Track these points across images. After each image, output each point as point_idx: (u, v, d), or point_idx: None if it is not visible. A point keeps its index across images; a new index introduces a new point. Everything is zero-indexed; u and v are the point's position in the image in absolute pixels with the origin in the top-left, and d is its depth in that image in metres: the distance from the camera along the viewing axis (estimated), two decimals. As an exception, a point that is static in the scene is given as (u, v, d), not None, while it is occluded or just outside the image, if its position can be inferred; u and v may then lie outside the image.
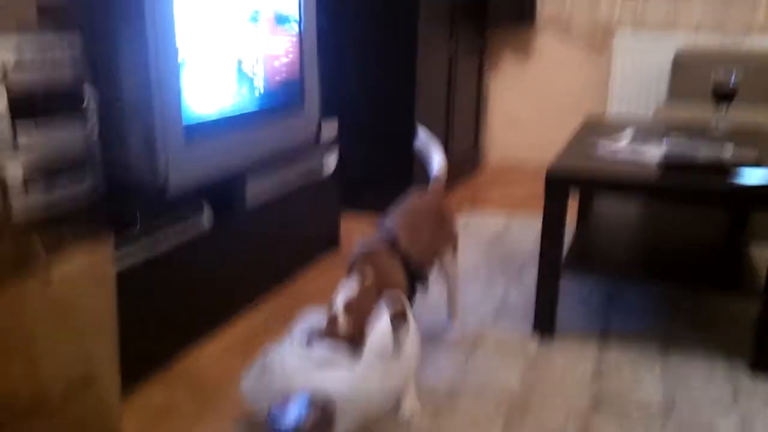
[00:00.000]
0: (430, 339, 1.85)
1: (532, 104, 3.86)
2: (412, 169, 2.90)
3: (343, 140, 2.54)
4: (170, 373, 1.69)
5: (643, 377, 1.68)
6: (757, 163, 1.72)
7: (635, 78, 3.49)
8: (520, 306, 2.05)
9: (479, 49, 3.62)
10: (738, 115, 2.69)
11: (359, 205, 2.95)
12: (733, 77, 2.28)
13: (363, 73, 2.86)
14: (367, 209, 2.93)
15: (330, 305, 1.40)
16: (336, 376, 1.27)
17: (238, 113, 1.89)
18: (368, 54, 2.84)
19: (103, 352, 1.19)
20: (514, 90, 3.88)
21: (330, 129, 2.42)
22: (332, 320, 1.36)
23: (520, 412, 1.53)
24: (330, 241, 2.53)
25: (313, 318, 1.47)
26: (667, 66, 3.39)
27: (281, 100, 2.10)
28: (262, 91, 1.99)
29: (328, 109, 2.89)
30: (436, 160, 1.84)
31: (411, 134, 2.82)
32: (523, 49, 3.79)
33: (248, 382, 1.38)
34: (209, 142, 1.75)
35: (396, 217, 1.63)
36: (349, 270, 1.49)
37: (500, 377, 1.67)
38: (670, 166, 1.76)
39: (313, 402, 1.21)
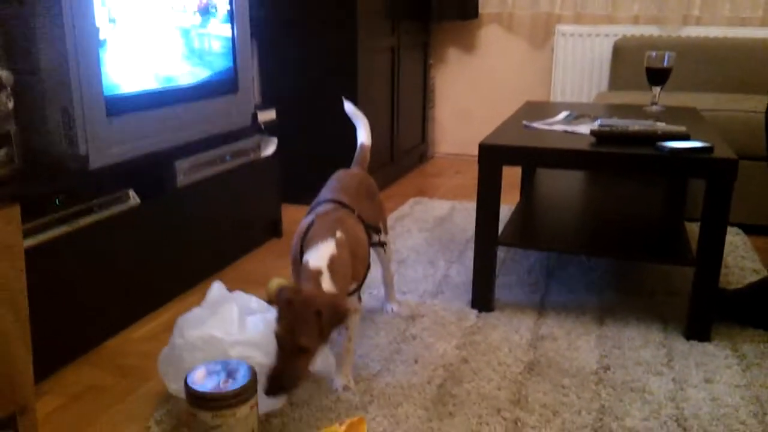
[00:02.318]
0: (369, 313, 1.83)
1: (479, 97, 3.89)
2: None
3: (283, 132, 2.51)
4: (98, 354, 1.63)
5: (579, 345, 1.68)
6: (686, 136, 1.75)
7: (577, 69, 3.54)
8: (460, 284, 2.04)
9: (423, 43, 3.63)
10: (673, 100, 2.75)
11: (302, 198, 2.91)
12: (666, 59, 2.33)
13: (303, 66, 2.84)
14: (309, 203, 2.90)
15: (299, 266, 1.36)
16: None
17: (166, 90, 1.84)
18: (309, 47, 2.82)
19: (12, 323, 1.14)
20: (460, 83, 3.91)
21: (268, 116, 2.39)
22: (314, 276, 1.30)
23: (454, 380, 1.51)
24: (271, 228, 2.48)
25: (222, 291, 1.44)
26: (607, 57, 3.45)
27: (214, 82, 2.06)
28: (193, 71, 1.95)
29: (268, 100, 2.86)
30: (362, 133, 1.81)
31: (351, 126, 2.81)
32: (468, 42, 3.82)
33: (162, 360, 1.34)
34: (133, 117, 1.70)
35: (333, 191, 1.60)
36: (306, 232, 1.43)
37: (436, 348, 1.66)
38: (601, 136, 1.78)
39: (228, 365, 1.17)
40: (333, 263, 1.33)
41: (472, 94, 3.90)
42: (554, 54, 3.57)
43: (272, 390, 1.18)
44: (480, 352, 1.64)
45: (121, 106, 1.66)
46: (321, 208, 1.52)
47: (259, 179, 2.34)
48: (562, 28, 3.52)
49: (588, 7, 3.55)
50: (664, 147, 1.65)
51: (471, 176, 3.51)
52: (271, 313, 1.39)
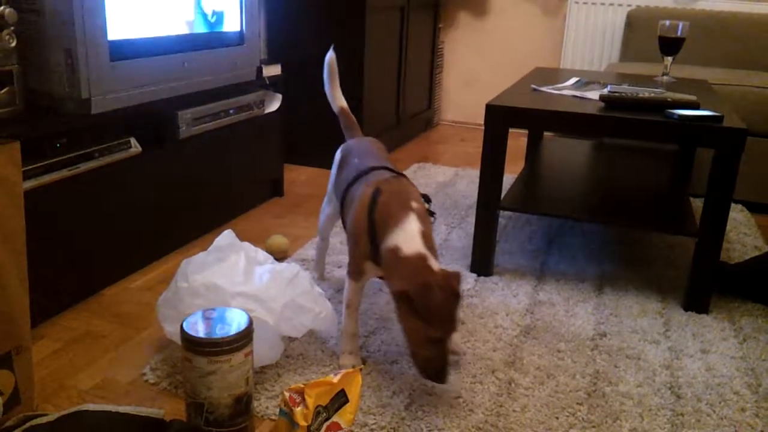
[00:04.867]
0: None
1: (488, 63, 3.84)
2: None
3: (288, 89, 2.47)
4: (96, 302, 1.64)
5: (577, 311, 1.68)
6: (696, 105, 1.72)
7: (589, 38, 3.49)
8: (460, 248, 2.04)
9: (434, 4, 3.57)
10: (685, 72, 2.71)
11: (303, 159, 2.90)
12: (679, 28, 2.29)
13: (309, 21, 2.79)
14: (310, 163, 2.89)
15: (367, 243, 1.28)
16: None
17: (170, 39, 1.81)
18: (317, 5, 2.76)
19: (9, 260, 1.13)
20: (469, 48, 3.85)
21: (273, 71, 2.35)
22: (419, 261, 1.20)
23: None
24: (273, 185, 2.47)
25: (232, 239, 1.43)
26: (620, 27, 3.39)
27: (220, 33, 2.03)
28: (199, 21, 1.92)
29: (274, 55, 2.82)
30: (339, 95, 1.65)
31: (355, 91, 2.77)
32: (479, 6, 3.76)
33: (162, 303, 1.34)
34: (137, 64, 1.68)
35: (374, 158, 1.47)
36: (372, 205, 1.29)
37: (434, 310, 1.65)
38: (610, 101, 1.75)
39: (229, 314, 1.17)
40: (425, 239, 1.23)
41: (482, 61, 3.85)
42: (567, 22, 3.51)
43: (446, 375, 1.20)
44: (477, 315, 1.64)
45: (125, 52, 1.64)
46: (375, 177, 1.36)
47: (263, 136, 2.32)
48: (576, -5, 3.46)
49: (603, -25, 3.48)
50: (674, 114, 1.62)
51: (476, 144, 3.48)
52: (278, 266, 1.39)
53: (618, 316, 1.67)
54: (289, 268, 1.37)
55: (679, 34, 2.29)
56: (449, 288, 1.18)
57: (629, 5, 3.38)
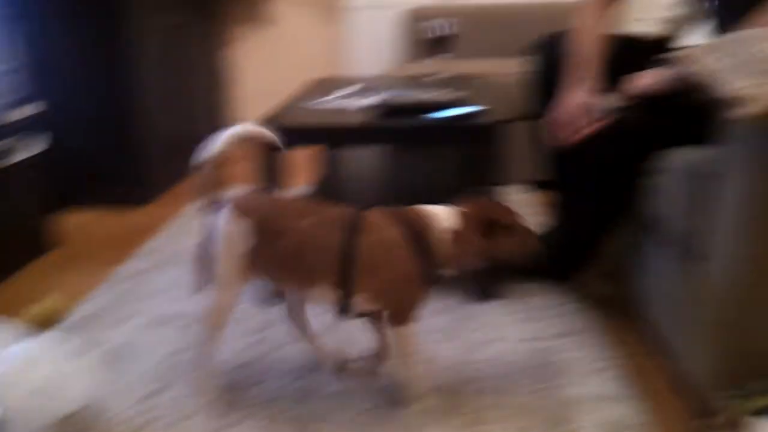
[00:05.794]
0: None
1: (280, 73, 3.77)
2: (140, 158, 2.66)
3: (58, 130, 2.23)
4: None
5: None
6: (461, 103, 1.77)
7: (373, 40, 3.55)
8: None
9: (213, 19, 3.44)
10: (462, 67, 2.82)
11: (87, 200, 2.63)
12: (447, 26, 2.37)
13: (73, 50, 2.54)
14: (96, 203, 2.63)
15: None
16: None
17: None
18: (76, 27, 2.52)
19: None
20: (260, 60, 3.77)
21: (30, 111, 2.10)
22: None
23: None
24: (40, 240, 2.18)
25: None
26: (401, 27, 3.49)
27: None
28: None
29: (38, 91, 2.54)
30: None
31: (129, 119, 2.57)
32: (261, 18, 3.69)
33: None
34: None
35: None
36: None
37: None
38: (383, 108, 1.76)
39: None
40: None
41: (273, 71, 3.78)
42: (347, 26, 3.55)
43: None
44: (273, 348, 1.57)
45: None
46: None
47: (15, 187, 2.04)
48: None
49: (378, -22, 3.55)
50: (434, 117, 1.66)
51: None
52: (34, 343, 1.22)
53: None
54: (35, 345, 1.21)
55: (449, 31, 2.37)
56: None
57: (407, 4, 3.48)
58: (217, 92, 3.55)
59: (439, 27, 2.36)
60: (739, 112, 0.95)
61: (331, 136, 1.67)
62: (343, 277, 1.21)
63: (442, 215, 1.27)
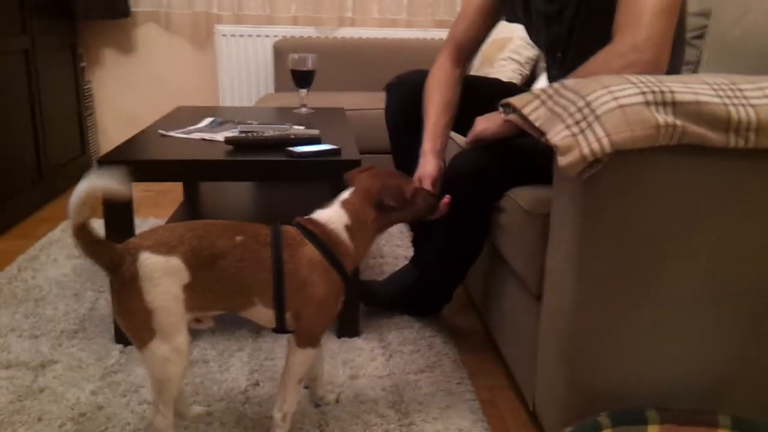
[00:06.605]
0: None
1: (144, 101, 3.64)
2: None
3: None
4: None
5: (232, 363, 1.61)
6: (317, 140, 1.76)
7: (242, 70, 3.50)
8: (106, 316, 1.84)
9: (70, 44, 3.27)
10: (326, 100, 2.84)
11: None
12: (309, 61, 2.37)
13: None
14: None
15: None
16: None
17: None
18: None
19: None
20: (121, 87, 3.61)
21: None
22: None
23: (83, 435, 1.33)
24: None
25: None
26: (270, 58, 3.47)
27: None
28: None
29: None
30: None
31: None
32: (124, 43, 3.55)
33: None
34: None
35: None
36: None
37: (67, 399, 1.45)
38: (235, 143, 1.72)
39: None
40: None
41: (137, 99, 3.64)
42: (216, 55, 3.49)
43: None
44: (120, 393, 1.48)
45: None
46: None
47: None
48: (221, 28, 3.45)
49: (245, 8, 3.53)
50: (292, 152, 1.65)
51: (144, 187, 3.24)
52: None
53: (273, 359, 1.64)
54: None
55: (309, 66, 2.37)
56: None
57: (275, 36, 3.47)
58: (80, 117, 3.35)
59: (300, 60, 2.36)
60: (559, 160, 1.00)
61: (186, 170, 1.61)
62: (278, 293, 1.19)
63: (333, 217, 1.27)
